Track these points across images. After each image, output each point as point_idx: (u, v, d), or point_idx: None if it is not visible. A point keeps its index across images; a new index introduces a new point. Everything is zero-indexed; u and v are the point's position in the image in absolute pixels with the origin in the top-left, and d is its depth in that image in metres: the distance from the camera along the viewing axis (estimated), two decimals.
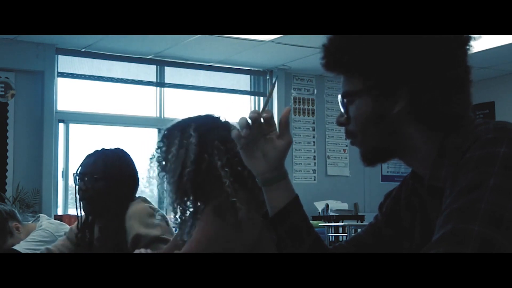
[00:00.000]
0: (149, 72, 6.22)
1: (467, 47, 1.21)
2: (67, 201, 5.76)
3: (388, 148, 1.22)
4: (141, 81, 6.21)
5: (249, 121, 1.26)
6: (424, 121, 1.18)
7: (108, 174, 2.69)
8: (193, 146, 1.93)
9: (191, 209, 2.01)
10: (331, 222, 5.92)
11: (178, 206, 2.00)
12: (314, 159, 6.80)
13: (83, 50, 5.80)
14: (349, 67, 1.20)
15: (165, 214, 2.73)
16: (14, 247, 3.15)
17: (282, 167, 1.33)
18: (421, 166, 1.21)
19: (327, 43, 1.23)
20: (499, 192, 1.00)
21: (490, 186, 1.01)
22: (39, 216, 3.43)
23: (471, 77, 1.24)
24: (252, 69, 6.64)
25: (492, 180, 1.02)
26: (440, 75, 1.17)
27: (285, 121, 1.29)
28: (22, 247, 3.15)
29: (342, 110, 1.24)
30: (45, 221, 3.33)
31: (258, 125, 1.27)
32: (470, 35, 1.22)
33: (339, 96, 1.24)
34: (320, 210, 6.32)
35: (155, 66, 6.24)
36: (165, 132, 2.05)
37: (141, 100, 6.26)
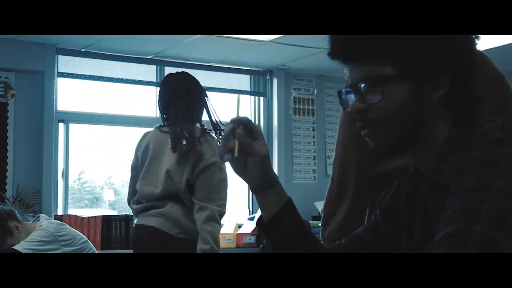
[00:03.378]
0: (149, 72, 6.21)
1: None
2: (67, 201, 5.75)
3: (406, 139, 1.19)
4: (141, 81, 6.21)
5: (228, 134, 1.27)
6: (456, 111, 1.17)
7: None
8: None
9: None
10: None
11: None
12: (314, 159, 6.80)
13: (83, 50, 5.79)
14: (382, 51, 1.15)
15: None
16: (14, 247, 3.15)
17: (268, 175, 1.33)
18: (427, 161, 1.21)
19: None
20: (503, 194, 1.00)
21: (495, 187, 1.00)
22: (39, 216, 3.43)
23: None
24: (252, 69, 6.64)
25: (497, 181, 1.01)
26: (473, 68, 1.17)
27: (243, 142, 1.28)
28: (22, 247, 3.15)
29: (367, 96, 1.17)
30: (45, 221, 3.33)
31: (239, 135, 1.28)
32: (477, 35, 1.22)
33: (361, 83, 1.18)
34: (320, 210, 6.31)
35: (155, 66, 6.23)
36: None
37: (141, 100, 6.26)
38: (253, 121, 1.32)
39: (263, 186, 1.33)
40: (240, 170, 1.32)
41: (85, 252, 3.30)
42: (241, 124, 1.29)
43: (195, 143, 2.93)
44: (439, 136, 1.18)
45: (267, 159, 1.31)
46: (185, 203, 2.97)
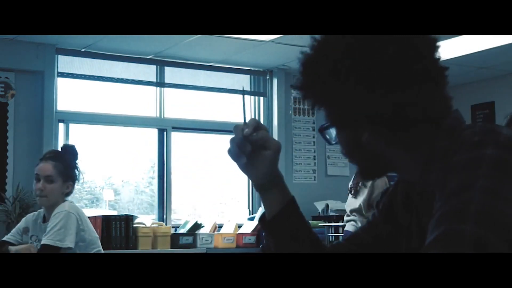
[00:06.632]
0: (149, 72, 6.22)
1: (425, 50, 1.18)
2: None
3: (378, 166, 1.25)
4: (141, 81, 6.21)
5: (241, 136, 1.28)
6: (394, 145, 1.20)
7: None
8: None
9: None
10: (331, 222, 5.92)
11: None
12: (314, 159, 6.80)
13: (83, 50, 5.80)
14: (314, 105, 1.23)
15: None
16: (44, 243, 3.15)
17: (274, 173, 1.33)
18: (412, 175, 1.23)
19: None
20: (488, 193, 1.02)
21: (479, 187, 1.03)
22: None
23: (444, 79, 1.20)
24: (252, 69, 6.64)
25: (480, 181, 1.03)
26: (392, 93, 1.15)
27: (256, 138, 1.28)
28: (53, 239, 3.15)
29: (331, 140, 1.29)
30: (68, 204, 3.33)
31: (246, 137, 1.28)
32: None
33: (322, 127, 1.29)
34: (320, 210, 6.32)
35: (155, 66, 6.24)
36: None
37: (141, 100, 6.27)
38: None
39: (269, 184, 1.33)
40: (248, 167, 1.32)
41: (92, 246, 3.30)
42: (252, 126, 1.29)
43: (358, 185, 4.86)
44: (403, 160, 1.22)
45: (277, 155, 1.32)
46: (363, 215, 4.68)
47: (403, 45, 1.16)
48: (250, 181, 1.38)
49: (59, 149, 3.51)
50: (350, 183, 4.98)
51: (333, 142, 1.28)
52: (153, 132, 6.29)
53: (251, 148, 1.28)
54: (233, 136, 1.30)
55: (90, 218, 5.27)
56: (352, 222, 4.95)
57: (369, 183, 4.73)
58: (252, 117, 1.38)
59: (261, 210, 6.19)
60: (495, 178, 1.03)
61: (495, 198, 1.01)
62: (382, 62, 1.15)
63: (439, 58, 1.19)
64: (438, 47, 1.20)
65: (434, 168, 1.15)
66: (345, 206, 5.07)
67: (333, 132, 1.27)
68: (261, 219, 1.37)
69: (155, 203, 6.25)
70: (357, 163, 1.26)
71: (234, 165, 1.35)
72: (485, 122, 1.22)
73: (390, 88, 1.14)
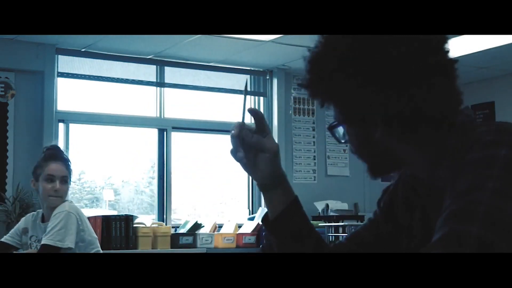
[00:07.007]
0: (149, 72, 6.22)
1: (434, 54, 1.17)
2: None
3: (388, 163, 1.24)
4: (141, 81, 6.21)
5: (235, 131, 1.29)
6: (406, 141, 1.19)
7: None
8: None
9: None
10: (331, 222, 5.92)
11: None
12: (314, 159, 6.80)
13: (83, 50, 5.80)
14: (324, 102, 1.22)
15: None
16: (44, 242, 3.15)
17: (276, 173, 1.33)
18: (422, 171, 1.22)
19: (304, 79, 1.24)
20: (498, 195, 1.00)
21: (489, 189, 1.01)
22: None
23: (452, 74, 1.18)
24: (252, 69, 6.64)
25: (491, 183, 1.01)
26: (406, 93, 1.14)
27: (251, 142, 1.29)
28: (53, 239, 3.15)
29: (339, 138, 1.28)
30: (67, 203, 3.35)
31: (246, 135, 1.28)
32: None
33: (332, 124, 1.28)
34: (320, 210, 6.32)
35: (155, 66, 6.24)
36: None
37: (141, 100, 6.26)
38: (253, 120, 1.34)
39: (273, 183, 1.33)
40: (250, 168, 1.32)
41: (92, 246, 3.30)
42: (256, 119, 1.31)
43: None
44: (412, 156, 1.21)
45: (279, 154, 1.32)
46: None
47: (411, 41, 1.14)
48: (253, 181, 1.38)
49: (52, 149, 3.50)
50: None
51: (343, 141, 1.27)
52: (153, 132, 6.29)
53: (249, 149, 1.29)
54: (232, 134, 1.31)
55: (90, 218, 5.28)
56: None
57: None
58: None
59: (261, 210, 6.19)
60: (506, 179, 1.02)
61: (504, 200, 1.00)
62: (391, 58, 1.13)
63: (448, 51, 1.18)
64: (447, 39, 1.18)
65: (445, 165, 1.13)
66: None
67: (342, 130, 1.26)
68: (264, 218, 1.37)
69: (155, 203, 6.24)
70: (366, 160, 1.24)
71: (234, 165, 1.36)
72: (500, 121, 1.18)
73: (400, 84, 1.13)
